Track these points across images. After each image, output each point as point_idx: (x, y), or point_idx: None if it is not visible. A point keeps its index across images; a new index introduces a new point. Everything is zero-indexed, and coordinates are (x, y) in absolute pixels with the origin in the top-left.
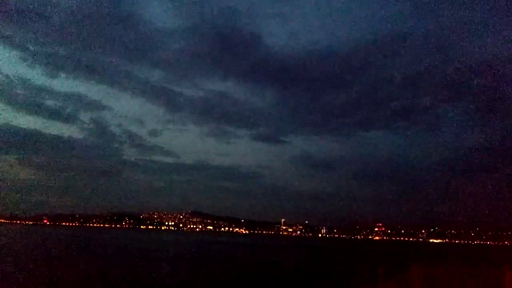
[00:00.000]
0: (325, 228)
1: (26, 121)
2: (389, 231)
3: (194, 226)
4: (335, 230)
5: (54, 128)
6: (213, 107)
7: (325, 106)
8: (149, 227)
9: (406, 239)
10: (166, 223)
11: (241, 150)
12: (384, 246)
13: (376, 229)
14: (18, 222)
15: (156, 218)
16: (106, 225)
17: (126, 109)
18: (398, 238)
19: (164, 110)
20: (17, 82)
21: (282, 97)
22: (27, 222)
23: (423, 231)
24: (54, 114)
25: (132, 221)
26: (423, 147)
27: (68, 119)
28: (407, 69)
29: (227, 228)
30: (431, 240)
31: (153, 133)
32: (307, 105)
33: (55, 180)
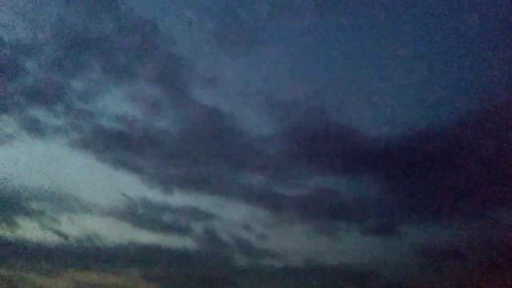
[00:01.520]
0: None
1: (146, 237)
2: None
3: None
4: None
5: (171, 241)
6: (317, 204)
7: (439, 189)
8: None
9: None
10: None
11: (352, 246)
12: None
13: None
14: None
15: None
16: None
17: (233, 216)
18: None
19: (269, 212)
20: (138, 203)
21: (389, 185)
22: None
23: None
24: (170, 228)
25: None
26: None
27: (183, 231)
28: None
29: None
30: None
31: (261, 237)
32: (418, 190)
33: None
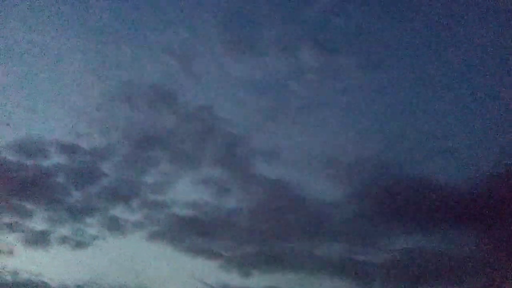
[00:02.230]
0: None
1: None
2: None
3: None
4: None
5: None
6: (407, 268)
7: None
8: None
9: None
10: None
11: None
12: None
13: None
14: None
15: None
16: None
17: None
18: None
19: (354, 283)
20: None
21: (486, 236)
22: None
23: None
24: None
25: None
26: None
27: None
28: None
29: None
30: None
31: None
32: None
33: None
